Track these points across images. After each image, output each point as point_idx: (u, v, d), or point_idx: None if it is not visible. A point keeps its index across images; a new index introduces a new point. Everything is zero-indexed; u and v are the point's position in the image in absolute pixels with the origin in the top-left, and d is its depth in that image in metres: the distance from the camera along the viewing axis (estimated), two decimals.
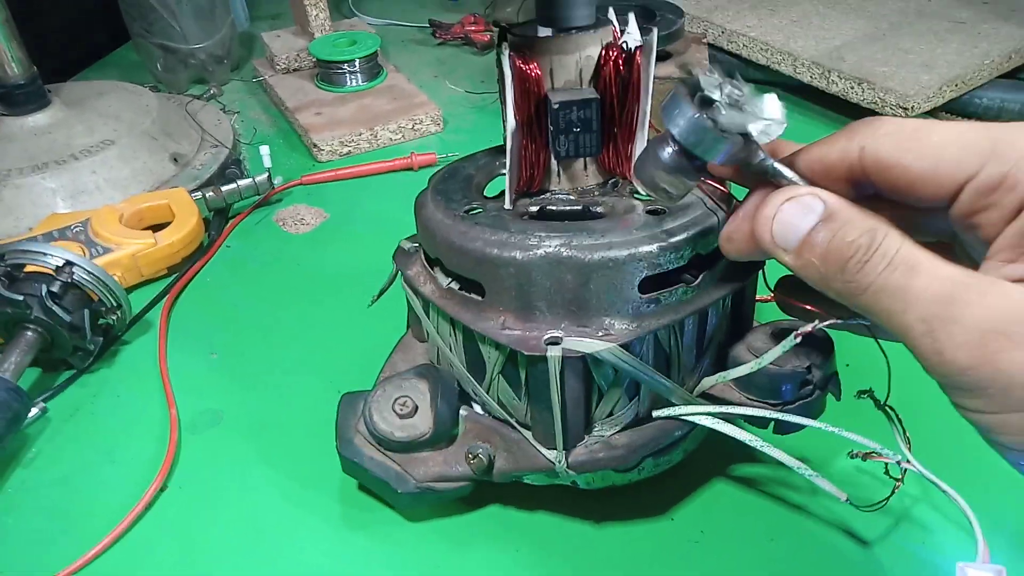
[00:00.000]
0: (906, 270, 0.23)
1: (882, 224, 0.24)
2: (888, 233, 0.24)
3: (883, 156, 0.24)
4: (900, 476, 0.34)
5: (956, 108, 0.71)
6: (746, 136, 0.26)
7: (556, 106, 0.33)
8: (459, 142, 0.74)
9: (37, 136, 0.63)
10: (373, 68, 0.79)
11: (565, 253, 0.31)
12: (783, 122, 0.26)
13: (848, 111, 0.71)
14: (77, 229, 0.55)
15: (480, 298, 0.33)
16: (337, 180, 0.69)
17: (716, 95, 0.26)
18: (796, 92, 0.75)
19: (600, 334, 0.32)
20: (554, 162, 0.35)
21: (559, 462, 0.34)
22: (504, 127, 0.34)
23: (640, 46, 0.33)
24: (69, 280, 0.46)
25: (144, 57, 0.83)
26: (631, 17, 0.35)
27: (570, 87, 0.34)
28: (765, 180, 0.28)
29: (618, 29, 0.34)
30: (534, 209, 0.35)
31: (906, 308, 0.23)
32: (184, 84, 0.83)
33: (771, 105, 0.26)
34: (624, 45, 0.34)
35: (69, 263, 0.47)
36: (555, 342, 0.32)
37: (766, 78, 0.76)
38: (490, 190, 0.38)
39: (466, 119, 0.78)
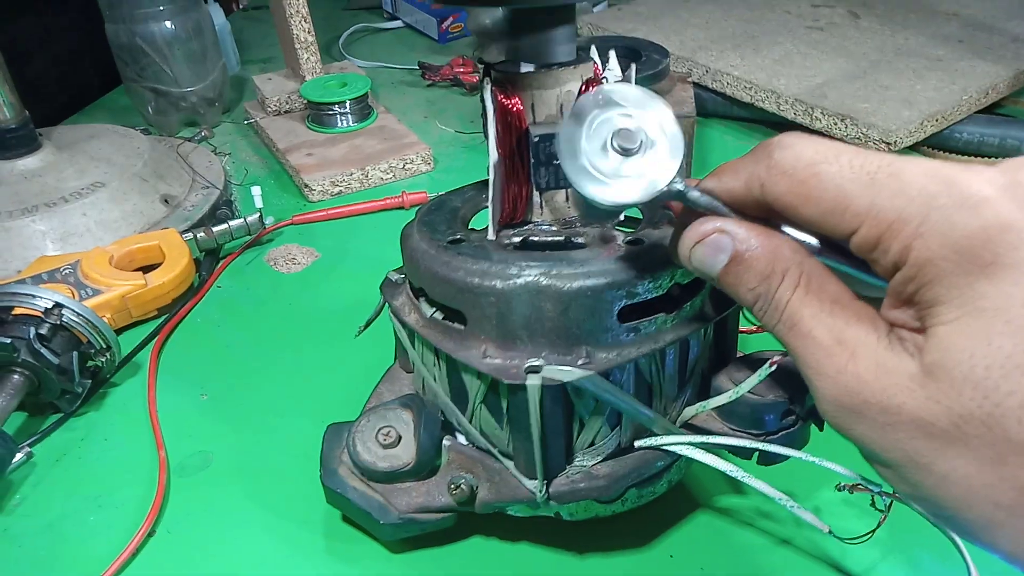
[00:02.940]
0: (789, 328, 0.24)
1: (776, 266, 0.24)
2: (783, 280, 0.24)
3: (779, 197, 0.24)
4: (886, 508, 0.34)
5: (937, 143, 0.72)
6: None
7: (536, 139, 0.34)
8: (449, 181, 0.74)
9: (28, 179, 0.63)
10: (364, 109, 0.81)
11: (544, 282, 0.32)
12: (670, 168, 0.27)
13: None
14: (67, 271, 0.55)
15: (462, 327, 0.34)
16: (328, 220, 0.69)
17: (595, 141, 0.26)
18: (781, 128, 0.76)
19: (580, 362, 0.32)
20: (536, 194, 0.36)
21: (540, 492, 0.34)
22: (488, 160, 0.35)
23: (622, 81, 0.34)
24: (58, 322, 0.46)
25: (135, 100, 0.84)
26: (611, 54, 0.36)
27: (551, 121, 0.35)
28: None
29: (600, 65, 0.35)
30: (517, 240, 0.36)
31: (794, 359, 0.24)
32: (175, 126, 0.84)
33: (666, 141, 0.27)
34: (604, 80, 0.34)
35: (58, 305, 0.47)
36: (535, 370, 0.32)
37: (751, 115, 0.78)
38: (476, 222, 0.39)
39: (456, 158, 0.79)
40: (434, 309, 0.36)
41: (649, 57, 0.70)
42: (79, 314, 0.47)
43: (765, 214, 0.25)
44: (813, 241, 0.25)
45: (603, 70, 0.36)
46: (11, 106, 0.63)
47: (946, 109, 0.69)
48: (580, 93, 0.34)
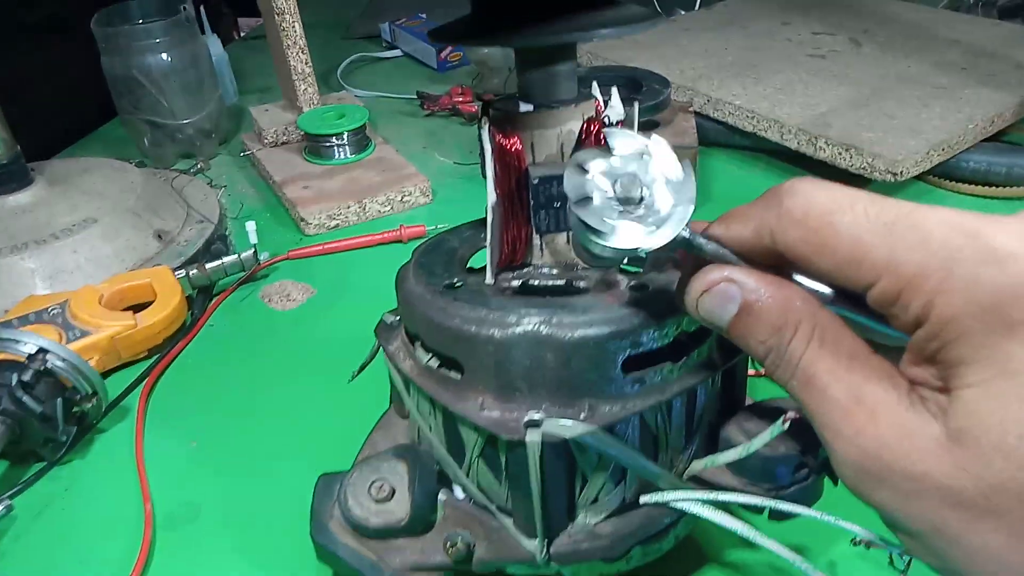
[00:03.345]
0: (803, 384, 0.23)
1: (789, 318, 0.23)
2: (796, 333, 0.23)
3: (790, 247, 0.23)
4: (905, 568, 0.32)
5: (944, 172, 0.71)
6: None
7: (536, 181, 0.32)
8: (448, 213, 0.73)
9: (18, 215, 0.62)
10: (361, 140, 0.80)
11: (545, 331, 0.30)
12: (681, 219, 0.25)
13: (837, 176, 0.71)
14: (55, 311, 0.54)
15: (459, 376, 0.32)
16: (325, 254, 0.68)
17: (600, 193, 0.25)
18: (784, 158, 0.75)
19: (583, 416, 0.31)
20: (536, 236, 0.34)
21: (540, 552, 0.33)
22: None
23: (621, 120, 0.33)
24: (42, 368, 0.45)
25: (131, 132, 0.83)
26: (614, 91, 0.35)
27: (551, 161, 0.33)
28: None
29: (601, 102, 0.34)
30: (516, 283, 0.34)
31: (810, 418, 0.23)
32: (171, 158, 0.83)
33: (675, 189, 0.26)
34: (606, 119, 0.33)
35: (43, 350, 0.46)
36: (535, 424, 0.30)
37: (753, 144, 0.77)
38: (476, 261, 0.37)
39: (455, 189, 0.78)
40: (430, 356, 0.34)
41: (650, 87, 0.69)
42: (64, 359, 0.46)
43: (776, 263, 0.24)
44: (826, 291, 0.24)
45: (604, 107, 0.34)
46: (3, 141, 0.62)
47: (952, 138, 0.68)
48: (581, 132, 0.33)
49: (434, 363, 0.34)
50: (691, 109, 0.73)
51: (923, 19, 0.97)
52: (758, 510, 0.33)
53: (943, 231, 0.20)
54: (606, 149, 0.26)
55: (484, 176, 0.33)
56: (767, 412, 0.35)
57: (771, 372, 0.24)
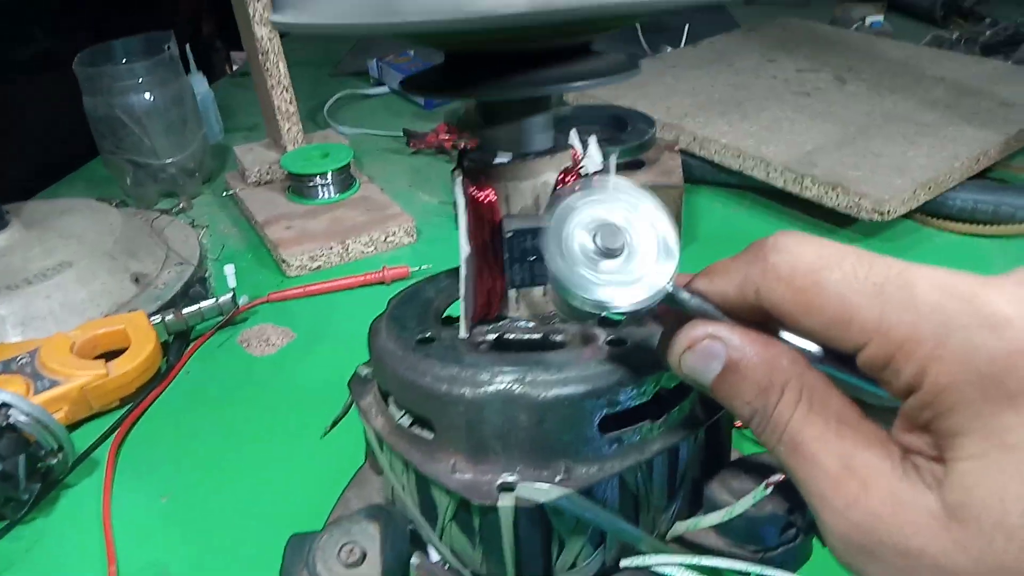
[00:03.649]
0: (791, 451, 0.22)
1: (775, 380, 0.22)
2: (783, 395, 0.22)
3: (776, 305, 0.22)
4: None
5: (931, 209, 0.70)
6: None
7: (510, 234, 0.31)
8: (432, 253, 0.72)
9: None
10: (346, 179, 0.79)
11: (518, 390, 0.29)
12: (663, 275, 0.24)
13: (823, 214, 0.70)
14: (24, 361, 0.52)
15: (431, 436, 0.31)
16: (306, 296, 0.67)
17: (575, 252, 0.24)
18: (771, 196, 0.75)
19: (558, 478, 0.29)
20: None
21: None
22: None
23: (598, 171, 0.32)
24: (4, 423, 0.44)
25: (113, 172, 0.82)
26: (592, 140, 0.34)
27: (526, 213, 0.32)
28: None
29: (579, 150, 0.33)
30: (491, 337, 0.33)
31: (797, 485, 0.22)
32: (154, 198, 0.83)
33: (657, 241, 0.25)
34: (582, 170, 0.32)
35: (5, 405, 0.44)
36: (508, 488, 0.29)
37: (740, 182, 0.76)
38: (453, 310, 0.36)
39: (440, 229, 0.77)
40: (402, 413, 0.33)
41: (635, 126, 0.69)
42: (28, 414, 0.44)
43: (761, 319, 0.23)
44: (814, 348, 0.23)
45: (582, 155, 0.34)
46: None
47: (938, 176, 0.67)
48: (557, 183, 0.32)
49: (406, 421, 0.33)
50: (677, 148, 0.72)
51: (907, 56, 0.98)
52: (744, 575, 0.32)
53: (936, 294, 0.19)
54: (587, 197, 0.25)
55: (458, 228, 0.33)
56: (753, 468, 0.34)
57: (757, 435, 0.23)
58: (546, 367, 0.29)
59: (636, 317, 0.33)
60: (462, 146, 0.72)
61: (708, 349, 0.23)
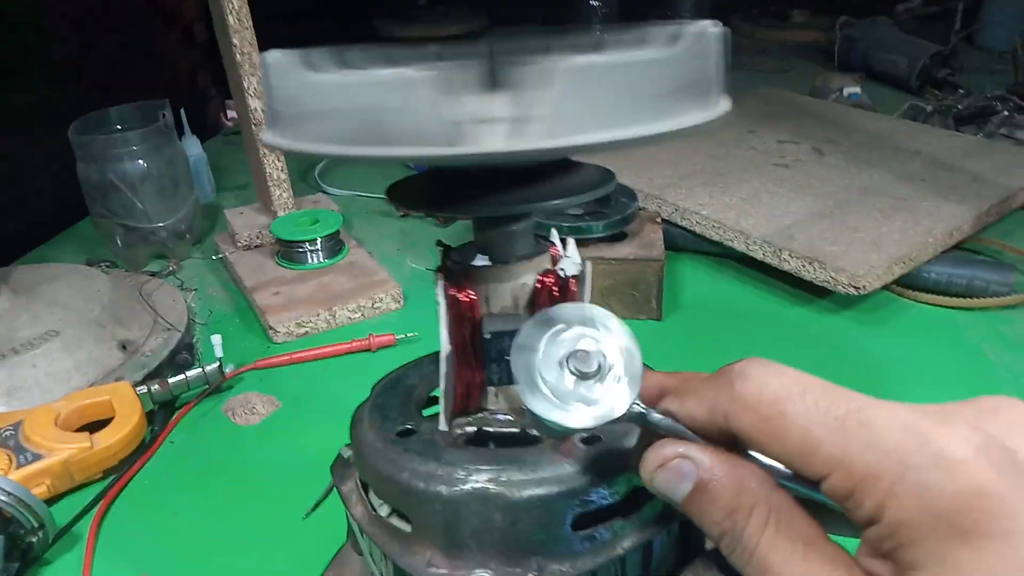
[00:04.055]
0: (760, 572, 0.22)
1: (743, 502, 0.23)
2: (751, 517, 0.23)
3: (743, 431, 0.23)
4: None
5: (907, 282, 0.72)
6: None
7: (488, 336, 0.32)
8: (418, 320, 0.73)
9: None
10: (335, 245, 0.80)
11: (493, 490, 0.30)
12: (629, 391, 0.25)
13: (802, 284, 0.72)
14: (7, 433, 0.52)
15: (408, 528, 0.31)
16: (292, 364, 0.67)
17: (550, 376, 0.25)
18: (752, 265, 0.76)
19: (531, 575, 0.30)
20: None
21: None
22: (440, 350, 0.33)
23: (575, 276, 0.33)
24: None
25: (103, 235, 0.83)
26: (571, 241, 0.35)
27: (505, 312, 0.33)
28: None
29: (559, 248, 0.34)
30: (471, 430, 0.34)
31: None
32: (144, 260, 0.83)
33: (622, 356, 0.26)
34: (561, 272, 0.33)
35: None
36: None
37: (721, 251, 0.78)
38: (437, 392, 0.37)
39: (427, 294, 0.78)
40: (381, 503, 0.33)
41: (618, 200, 0.71)
42: (10, 493, 0.44)
43: (730, 439, 0.24)
44: (783, 468, 0.23)
45: (562, 251, 0.35)
46: None
47: (912, 251, 0.69)
48: (536, 284, 0.33)
49: (385, 511, 0.33)
50: (659, 220, 0.74)
51: (884, 128, 1.01)
52: None
53: (895, 434, 0.20)
54: (560, 322, 0.26)
55: (439, 325, 0.33)
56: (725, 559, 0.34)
57: (727, 555, 0.24)
58: (520, 466, 0.30)
59: None
60: (444, 243, 0.74)
61: (679, 468, 0.24)
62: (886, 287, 0.71)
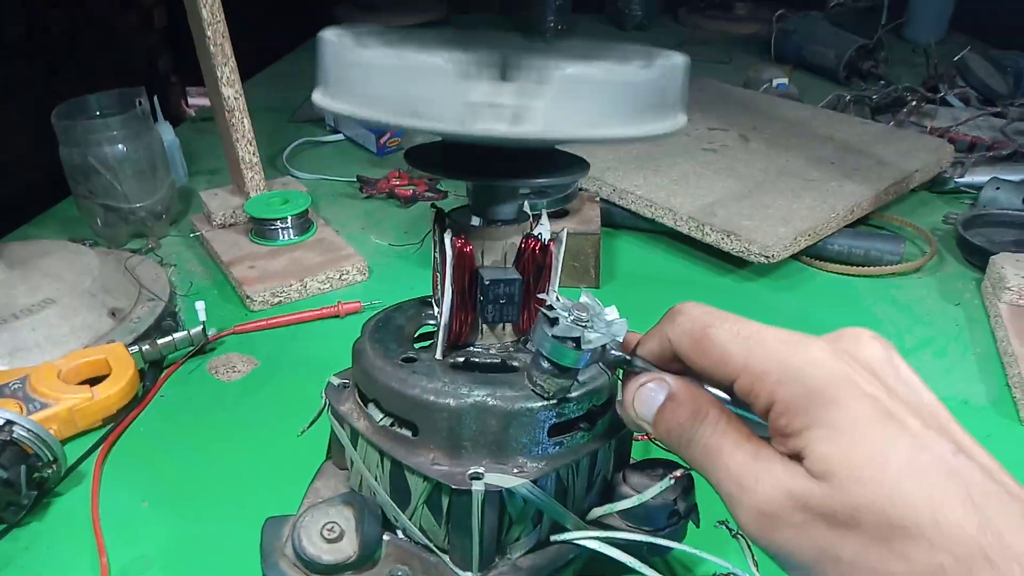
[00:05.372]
0: (713, 454, 0.31)
1: (702, 406, 0.32)
2: (706, 417, 0.31)
3: (681, 350, 0.32)
4: None
5: (814, 252, 0.82)
6: (578, 341, 0.34)
7: (487, 282, 0.40)
8: (382, 290, 0.81)
9: None
10: (304, 223, 0.87)
11: (491, 402, 0.38)
12: (621, 328, 0.34)
13: (721, 256, 0.81)
14: (15, 386, 0.58)
15: (411, 436, 0.39)
16: (268, 328, 0.74)
17: (565, 320, 0.34)
18: (680, 240, 0.86)
19: (515, 471, 0.38)
20: (480, 322, 0.42)
21: None
22: (438, 291, 0.41)
23: (553, 239, 0.41)
24: (8, 438, 0.50)
25: (84, 214, 0.88)
26: (544, 214, 0.43)
27: (496, 266, 0.41)
28: (627, 369, 0.35)
29: (533, 220, 0.42)
30: (460, 359, 0.42)
31: (716, 483, 0.31)
32: (123, 238, 0.89)
33: (611, 315, 0.35)
34: (540, 236, 0.42)
35: (9, 422, 0.50)
36: (478, 477, 0.38)
37: (653, 228, 0.87)
38: (420, 332, 0.45)
39: (389, 268, 0.85)
40: (382, 416, 0.41)
41: None
42: (29, 430, 0.51)
43: (682, 371, 0.33)
44: (724, 396, 0.32)
45: (537, 224, 0.43)
46: None
47: (816, 226, 0.79)
48: (521, 243, 0.41)
49: (387, 422, 0.41)
50: (597, 199, 0.83)
51: (804, 117, 1.12)
52: (641, 546, 0.41)
53: (779, 345, 0.29)
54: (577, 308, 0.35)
55: (440, 272, 0.41)
56: (647, 466, 0.43)
57: (685, 449, 0.32)
58: (512, 385, 0.39)
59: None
60: (440, 196, 0.82)
61: (656, 387, 0.33)
62: (795, 257, 0.81)
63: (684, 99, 0.37)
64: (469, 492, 0.37)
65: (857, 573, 0.27)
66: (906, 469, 0.26)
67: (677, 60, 0.36)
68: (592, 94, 0.33)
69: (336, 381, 0.45)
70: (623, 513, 0.43)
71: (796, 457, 0.29)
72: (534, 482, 0.38)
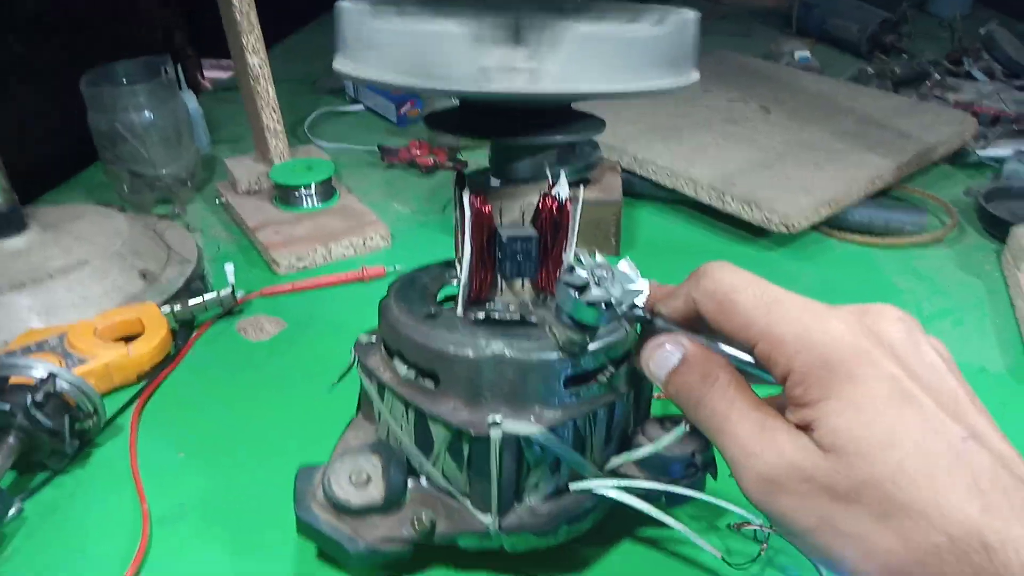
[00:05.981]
0: (722, 418, 0.32)
1: (712, 371, 0.32)
2: (717, 381, 0.32)
3: (705, 312, 0.33)
4: (765, 539, 0.42)
5: (834, 223, 0.83)
6: (609, 304, 0.35)
7: (505, 240, 0.41)
8: (405, 255, 0.82)
9: (15, 258, 0.69)
10: (327, 190, 0.88)
11: (509, 354, 0.39)
12: (639, 287, 0.35)
13: (741, 226, 0.82)
14: (54, 342, 0.60)
15: (434, 387, 0.41)
16: (294, 292, 0.76)
17: (588, 280, 0.35)
18: (698, 209, 0.86)
19: (532, 419, 0.40)
20: (500, 279, 0.43)
21: (493, 526, 0.41)
22: (459, 250, 0.42)
23: (570, 198, 0.42)
24: (52, 390, 0.52)
25: (111, 179, 0.90)
26: (562, 173, 0.44)
27: (514, 224, 0.43)
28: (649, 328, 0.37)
29: (551, 180, 0.43)
30: (480, 315, 0.43)
31: (722, 447, 0.32)
32: (149, 204, 0.90)
33: (629, 273, 0.35)
34: (557, 195, 0.43)
35: (52, 375, 0.52)
36: (496, 424, 0.39)
37: (673, 197, 0.87)
38: (442, 294, 0.46)
39: (411, 235, 0.87)
40: (407, 368, 0.43)
41: (582, 149, 0.80)
42: (71, 382, 0.52)
43: (705, 330, 0.34)
44: (748, 358, 0.33)
45: (554, 183, 0.44)
46: (3, 191, 0.68)
47: (838, 197, 0.80)
48: (539, 202, 0.42)
49: (411, 374, 0.42)
50: (618, 168, 0.83)
51: (826, 89, 1.11)
52: (658, 495, 0.43)
53: (801, 313, 0.30)
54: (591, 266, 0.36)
55: (459, 231, 0.42)
56: (665, 422, 0.45)
57: (695, 411, 0.33)
58: (528, 338, 0.40)
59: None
60: (461, 166, 0.83)
61: (673, 345, 0.34)
62: (816, 228, 0.82)
63: (696, 54, 0.38)
64: (487, 439, 0.39)
65: (854, 544, 0.27)
66: (913, 451, 0.26)
67: (688, 15, 0.36)
68: (605, 50, 0.34)
69: (364, 339, 0.47)
70: (641, 464, 0.44)
71: (806, 427, 0.29)
72: (552, 430, 0.40)
